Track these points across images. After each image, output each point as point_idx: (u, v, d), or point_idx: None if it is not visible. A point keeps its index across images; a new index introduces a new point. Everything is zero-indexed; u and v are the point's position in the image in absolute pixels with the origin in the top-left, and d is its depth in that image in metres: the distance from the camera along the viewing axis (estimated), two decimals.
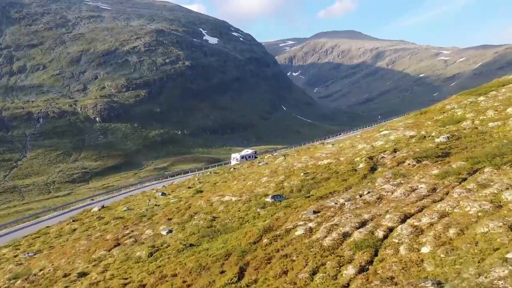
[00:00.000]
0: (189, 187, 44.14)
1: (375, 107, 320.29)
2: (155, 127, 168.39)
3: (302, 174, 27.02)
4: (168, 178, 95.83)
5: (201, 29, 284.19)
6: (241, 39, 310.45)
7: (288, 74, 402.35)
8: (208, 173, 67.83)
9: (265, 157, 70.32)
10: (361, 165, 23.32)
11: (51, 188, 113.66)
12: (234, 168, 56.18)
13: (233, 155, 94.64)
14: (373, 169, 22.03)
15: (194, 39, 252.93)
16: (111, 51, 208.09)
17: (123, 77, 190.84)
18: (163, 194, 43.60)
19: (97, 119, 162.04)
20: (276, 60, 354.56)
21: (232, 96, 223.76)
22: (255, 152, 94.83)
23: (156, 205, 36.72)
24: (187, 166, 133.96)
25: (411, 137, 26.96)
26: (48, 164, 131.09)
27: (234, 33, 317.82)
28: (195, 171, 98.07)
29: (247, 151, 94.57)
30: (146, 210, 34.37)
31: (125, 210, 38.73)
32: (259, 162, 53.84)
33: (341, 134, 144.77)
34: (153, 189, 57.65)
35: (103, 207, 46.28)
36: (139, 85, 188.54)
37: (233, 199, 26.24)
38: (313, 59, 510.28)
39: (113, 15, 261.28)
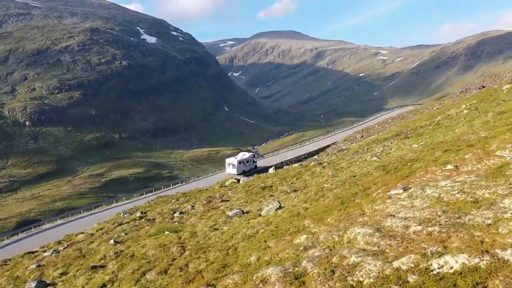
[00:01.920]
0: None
1: (316, 107, 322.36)
2: (90, 131, 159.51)
3: None
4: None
5: (138, 28, 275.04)
6: (180, 38, 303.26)
7: (229, 74, 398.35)
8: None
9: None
10: None
11: None
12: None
13: (228, 161, 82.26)
14: None
15: (131, 38, 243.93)
16: (42, 50, 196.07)
17: (55, 78, 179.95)
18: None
19: (26, 123, 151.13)
20: (217, 60, 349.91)
21: (172, 97, 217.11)
22: (254, 156, 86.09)
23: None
24: (126, 172, 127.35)
25: None
26: None
27: (173, 32, 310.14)
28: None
29: (244, 155, 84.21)
30: None
31: None
32: None
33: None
34: None
35: None
36: (72, 86, 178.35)
37: None
38: (254, 59, 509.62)
39: (44, 13, 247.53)
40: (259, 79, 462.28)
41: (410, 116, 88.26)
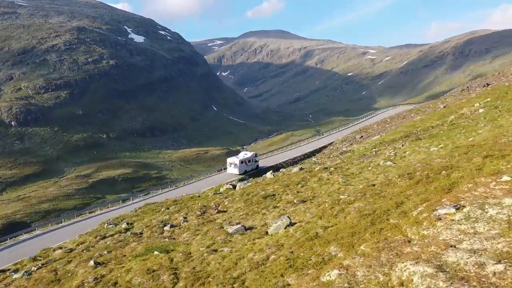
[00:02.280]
0: None
1: (305, 106, 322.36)
2: (77, 131, 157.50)
3: None
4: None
5: (126, 27, 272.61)
6: (168, 37, 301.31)
7: (218, 73, 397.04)
8: None
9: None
10: None
11: None
12: None
13: (229, 160, 79.16)
14: None
15: (119, 37, 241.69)
16: (28, 49, 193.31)
17: (41, 78, 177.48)
18: None
19: (12, 123, 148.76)
20: (205, 59, 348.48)
21: (160, 96, 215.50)
22: (256, 155, 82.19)
23: None
24: (113, 172, 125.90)
25: None
26: None
27: (161, 32, 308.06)
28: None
29: (246, 154, 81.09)
30: None
31: None
32: None
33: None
34: None
35: None
36: (59, 86, 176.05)
37: None
38: (242, 59, 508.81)
39: (29, 11, 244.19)
40: (248, 78, 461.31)
41: (412, 115, 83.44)
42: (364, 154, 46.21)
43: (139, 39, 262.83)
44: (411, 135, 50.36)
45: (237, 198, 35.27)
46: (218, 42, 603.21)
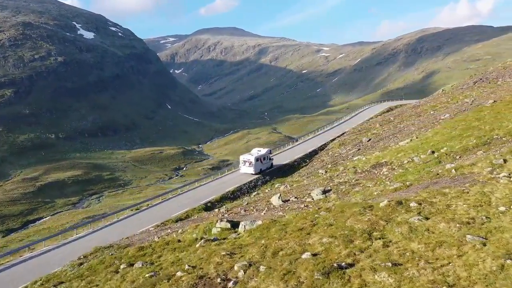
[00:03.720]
0: None
1: (260, 104, 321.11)
2: (24, 131, 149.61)
3: None
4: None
5: (74, 23, 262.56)
6: (119, 34, 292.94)
7: (171, 71, 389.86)
8: None
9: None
10: None
11: None
12: None
13: (243, 158, 69.70)
14: None
15: (67, 33, 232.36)
16: None
17: None
18: None
19: None
20: (158, 56, 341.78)
21: (112, 94, 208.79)
22: (270, 152, 73.47)
23: None
24: (63, 175, 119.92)
25: None
26: None
27: (112, 28, 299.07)
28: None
29: (259, 151, 71.94)
30: None
31: None
32: None
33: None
34: None
35: None
36: (3, 84, 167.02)
37: None
38: (196, 56, 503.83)
39: None
40: (202, 76, 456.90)
41: (432, 112, 66.33)
42: (437, 174, 29.20)
43: (88, 35, 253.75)
44: (494, 141, 35.09)
45: (258, 262, 18.38)
46: (171, 39, 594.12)
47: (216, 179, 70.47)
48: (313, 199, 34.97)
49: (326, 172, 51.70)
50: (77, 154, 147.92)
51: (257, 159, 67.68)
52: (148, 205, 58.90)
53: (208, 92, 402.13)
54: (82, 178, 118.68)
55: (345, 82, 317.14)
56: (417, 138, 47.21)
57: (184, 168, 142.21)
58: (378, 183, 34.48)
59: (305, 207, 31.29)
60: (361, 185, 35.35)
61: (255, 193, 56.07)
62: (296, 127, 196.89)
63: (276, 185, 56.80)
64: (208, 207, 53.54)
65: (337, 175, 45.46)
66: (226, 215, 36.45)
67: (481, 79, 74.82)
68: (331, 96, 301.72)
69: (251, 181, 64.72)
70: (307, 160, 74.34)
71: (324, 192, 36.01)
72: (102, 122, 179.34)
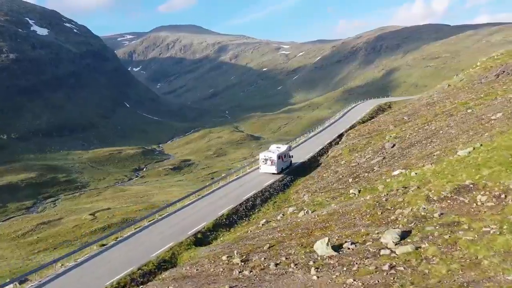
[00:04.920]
0: None
1: (221, 102, 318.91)
2: None
3: None
4: None
5: (27, 19, 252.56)
6: (75, 30, 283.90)
7: (129, 69, 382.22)
8: None
9: None
10: None
11: None
12: None
13: (263, 156, 61.67)
14: None
15: (20, 30, 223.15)
16: None
17: None
18: None
19: None
20: (116, 54, 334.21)
21: (68, 93, 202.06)
22: (290, 148, 65.78)
23: None
24: (16, 177, 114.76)
25: None
26: None
27: (67, 24, 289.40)
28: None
29: (279, 147, 63.86)
30: None
31: None
32: None
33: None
34: None
35: None
36: None
37: None
38: (154, 54, 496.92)
39: None
40: (161, 74, 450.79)
41: (468, 110, 51.95)
42: None
43: (42, 31, 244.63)
44: None
45: None
46: (129, 36, 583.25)
47: (222, 185, 59.09)
48: (390, 250, 20.12)
49: (359, 192, 37.71)
50: (31, 155, 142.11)
51: (279, 157, 60.60)
52: (116, 238, 43.04)
53: (168, 90, 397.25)
54: (36, 181, 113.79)
55: (306, 80, 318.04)
56: (481, 145, 33.11)
57: (145, 169, 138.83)
58: (496, 224, 19.80)
59: (391, 272, 17.83)
60: (463, 225, 21.01)
61: (264, 220, 39.44)
62: (258, 126, 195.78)
63: (290, 210, 40.38)
64: (200, 239, 40.82)
65: (390, 200, 28.73)
66: (242, 270, 22.36)
67: (503, 71, 64.86)
68: (292, 94, 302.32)
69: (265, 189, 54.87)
70: (307, 169, 63.59)
71: (403, 236, 21.22)
72: (57, 122, 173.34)
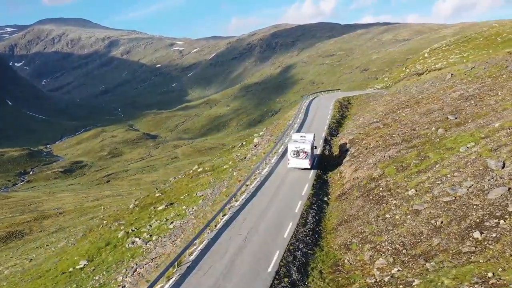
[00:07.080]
0: None
1: (113, 99, 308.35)
2: None
3: None
4: None
5: None
6: None
7: (10, 64, 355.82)
8: None
9: None
10: None
11: None
12: None
13: (292, 147, 45.14)
14: None
15: None
16: None
17: None
18: None
19: None
20: None
21: None
22: (314, 136, 49.23)
23: None
24: None
25: None
26: None
27: None
28: None
29: (303, 136, 48.09)
30: None
31: None
32: None
33: None
34: None
35: None
36: None
37: None
38: (39, 48, 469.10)
39: None
40: (46, 69, 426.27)
41: (472, 102, 44.66)
42: None
43: None
44: None
45: None
46: (10, 29, 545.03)
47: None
48: None
49: None
50: None
51: (312, 147, 46.63)
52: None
53: (54, 87, 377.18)
54: None
55: (202, 77, 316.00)
56: None
57: (31, 172, 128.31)
58: None
59: None
60: None
61: None
62: (154, 124, 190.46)
63: None
64: None
65: None
66: None
67: None
68: (188, 91, 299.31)
69: None
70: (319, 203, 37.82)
71: None
72: None
